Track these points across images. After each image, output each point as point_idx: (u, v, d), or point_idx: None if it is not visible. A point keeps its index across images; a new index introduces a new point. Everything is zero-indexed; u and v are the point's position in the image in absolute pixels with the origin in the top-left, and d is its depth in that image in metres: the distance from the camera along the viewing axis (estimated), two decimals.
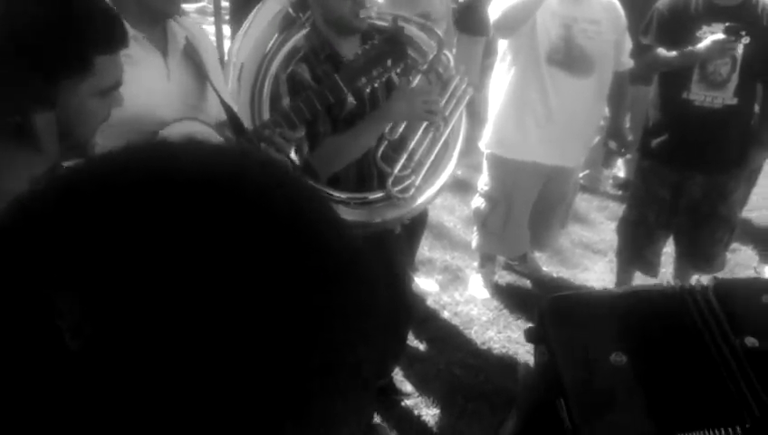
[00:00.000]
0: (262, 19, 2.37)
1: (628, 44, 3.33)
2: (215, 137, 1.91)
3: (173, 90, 1.90)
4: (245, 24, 2.41)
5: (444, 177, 2.50)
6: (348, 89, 2.01)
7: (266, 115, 2.34)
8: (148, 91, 1.81)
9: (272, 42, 2.37)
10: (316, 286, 0.40)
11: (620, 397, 0.72)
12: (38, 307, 0.36)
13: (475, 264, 4.00)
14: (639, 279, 3.85)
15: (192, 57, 1.96)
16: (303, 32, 2.34)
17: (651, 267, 3.61)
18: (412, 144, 2.37)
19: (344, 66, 2.04)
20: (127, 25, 1.73)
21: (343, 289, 0.42)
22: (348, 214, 2.37)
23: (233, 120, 2.01)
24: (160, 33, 1.91)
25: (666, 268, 3.97)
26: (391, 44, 1.98)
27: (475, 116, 3.19)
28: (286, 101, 2.27)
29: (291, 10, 2.34)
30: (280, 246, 0.40)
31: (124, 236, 0.38)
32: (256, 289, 0.38)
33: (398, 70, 2.07)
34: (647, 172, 3.44)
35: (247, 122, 2.22)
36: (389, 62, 2.01)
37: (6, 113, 0.79)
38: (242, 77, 2.33)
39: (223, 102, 2.00)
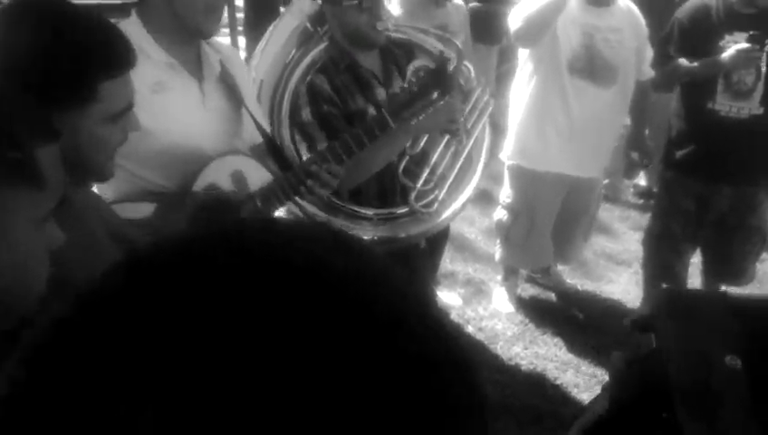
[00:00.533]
0: (279, 35, 2.35)
1: (649, 53, 3.27)
2: (262, 172, 1.87)
3: (210, 117, 1.85)
4: (263, 41, 2.39)
5: (468, 190, 2.46)
6: (394, 124, 1.97)
7: (286, 130, 2.31)
8: (184, 119, 1.77)
9: (290, 57, 2.34)
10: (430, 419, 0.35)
11: (730, 402, 0.67)
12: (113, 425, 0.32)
13: (498, 277, 3.93)
14: None
15: (227, 81, 1.91)
16: (322, 46, 2.31)
17: (678, 280, 3.53)
18: (434, 158, 2.32)
19: (390, 99, 2.01)
20: (160, 51, 1.71)
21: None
22: (372, 230, 2.34)
23: (269, 142, 1.97)
24: (195, 58, 1.85)
25: (692, 279, 3.90)
26: (438, 77, 1.93)
27: (495, 126, 3.15)
28: (306, 112, 2.24)
29: (308, 24, 2.31)
30: (393, 367, 0.35)
31: (214, 342, 0.33)
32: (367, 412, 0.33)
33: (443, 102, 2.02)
34: (671, 183, 3.37)
35: None
36: (435, 96, 1.96)
37: (5, 149, 0.74)
38: (261, 93, 2.30)
39: (258, 125, 1.95)
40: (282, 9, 2.76)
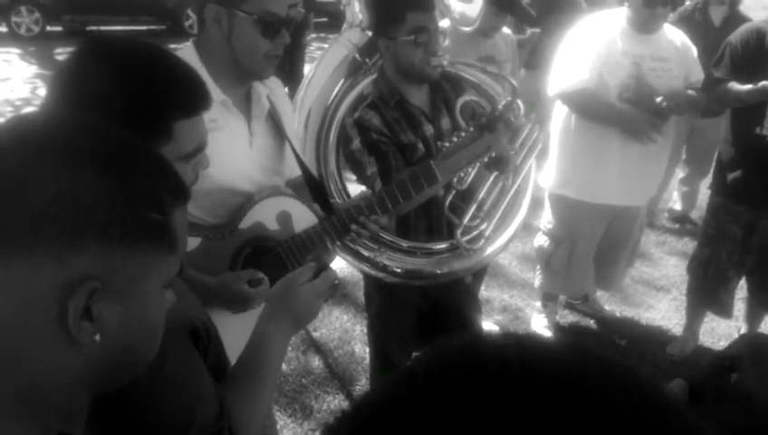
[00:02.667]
0: (327, 65, 2.33)
1: (698, 76, 3.21)
2: (307, 214, 1.86)
3: (256, 156, 1.84)
4: (311, 70, 2.37)
5: (513, 226, 2.41)
6: (443, 179, 1.95)
7: (332, 162, 2.29)
8: (232, 159, 1.76)
9: (337, 87, 2.32)
10: None
11: None
12: None
13: (536, 304, 3.88)
14: (708, 317, 3.71)
15: (274, 118, 1.90)
16: (370, 78, 2.29)
17: (724, 308, 3.47)
18: (482, 194, 2.28)
19: (440, 152, 1.97)
20: (216, 89, 1.70)
21: None
22: (413, 263, 2.30)
23: (310, 180, 1.95)
24: (245, 96, 1.84)
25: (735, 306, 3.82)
26: (485, 131, 1.90)
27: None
28: (356, 143, 2.21)
29: (357, 55, 2.29)
30: None
31: None
32: None
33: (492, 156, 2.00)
34: (718, 209, 3.31)
35: (312, 167, 2.17)
36: (480, 151, 1.93)
37: (148, 211, 0.72)
38: (308, 123, 2.29)
39: (298, 159, 1.94)
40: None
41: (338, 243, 1.93)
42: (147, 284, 0.73)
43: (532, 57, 4.66)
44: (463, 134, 1.93)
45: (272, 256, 1.84)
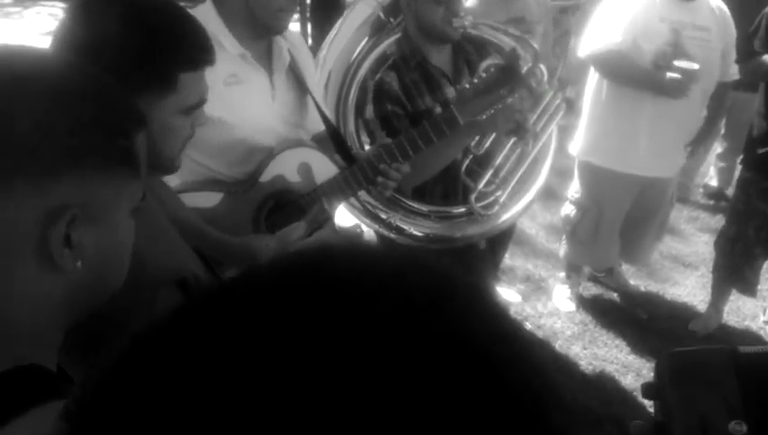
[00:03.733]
0: (351, 23, 2.33)
1: (734, 55, 3.12)
2: (328, 165, 1.87)
3: (278, 109, 1.85)
4: (334, 29, 2.37)
5: (530, 194, 2.40)
6: (463, 120, 1.92)
7: (351, 122, 2.29)
8: (254, 112, 1.78)
9: (360, 46, 2.31)
10: None
11: None
12: None
13: (560, 274, 3.86)
14: (734, 296, 3.65)
15: (295, 72, 1.91)
16: (393, 38, 2.28)
17: (749, 286, 3.41)
18: (499, 159, 2.26)
19: (458, 94, 1.96)
20: (234, 42, 1.72)
21: None
22: (428, 227, 2.30)
23: (332, 131, 1.95)
24: (266, 50, 1.85)
25: (762, 285, 3.76)
26: (508, 73, 1.87)
27: (573, 109, 3.07)
28: (369, 109, 2.21)
29: (381, 14, 2.28)
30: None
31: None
32: None
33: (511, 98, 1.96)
34: (748, 184, 3.24)
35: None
36: (504, 91, 1.90)
37: (116, 137, 0.74)
38: (329, 84, 2.29)
39: (322, 114, 1.94)
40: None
41: (358, 194, 1.93)
42: (118, 209, 0.76)
43: (582, 23, 4.56)
44: (484, 75, 1.91)
45: (294, 209, 1.86)
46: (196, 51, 1.19)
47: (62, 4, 11.10)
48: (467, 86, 1.92)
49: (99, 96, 0.75)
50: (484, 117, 1.93)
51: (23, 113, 0.67)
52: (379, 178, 1.86)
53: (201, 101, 1.23)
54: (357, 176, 1.88)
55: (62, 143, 0.69)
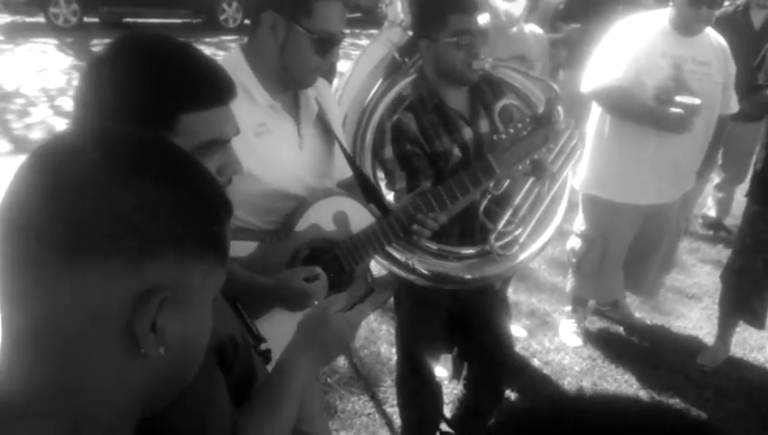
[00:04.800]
0: (366, 64, 2.33)
1: (733, 89, 3.16)
2: (364, 214, 1.85)
3: (306, 159, 1.84)
4: (349, 69, 2.37)
5: (548, 233, 2.39)
6: (500, 170, 1.91)
7: (368, 164, 2.28)
8: (283, 163, 1.76)
9: (375, 87, 2.31)
10: None
11: None
12: None
13: (565, 308, 3.85)
14: (740, 328, 3.65)
15: (322, 121, 1.90)
16: (409, 78, 2.27)
17: (757, 318, 3.42)
18: (517, 200, 2.26)
19: (495, 145, 1.95)
20: (264, 93, 1.70)
21: None
22: (443, 267, 2.28)
23: (363, 182, 1.94)
24: (293, 100, 1.84)
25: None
26: (542, 122, 1.87)
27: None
28: (388, 150, 2.20)
29: (397, 55, 2.28)
30: None
31: None
32: None
33: (545, 149, 1.96)
34: (756, 218, 3.25)
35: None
36: (539, 141, 1.90)
37: (209, 224, 0.73)
38: (345, 123, 2.28)
39: (349, 160, 1.93)
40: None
41: (392, 243, 1.91)
42: (204, 296, 0.74)
43: (572, 56, 4.61)
44: (519, 125, 1.90)
45: (330, 258, 1.84)
46: (199, 91, 1.15)
47: (54, 41, 11.11)
48: (503, 136, 1.92)
49: (197, 179, 0.74)
50: (520, 167, 1.93)
51: (125, 189, 0.66)
52: (415, 227, 1.85)
53: (215, 141, 1.17)
54: (393, 226, 1.87)
55: (164, 224, 0.67)
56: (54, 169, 0.66)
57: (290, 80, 1.76)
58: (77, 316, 0.66)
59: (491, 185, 2.19)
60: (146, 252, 0.66)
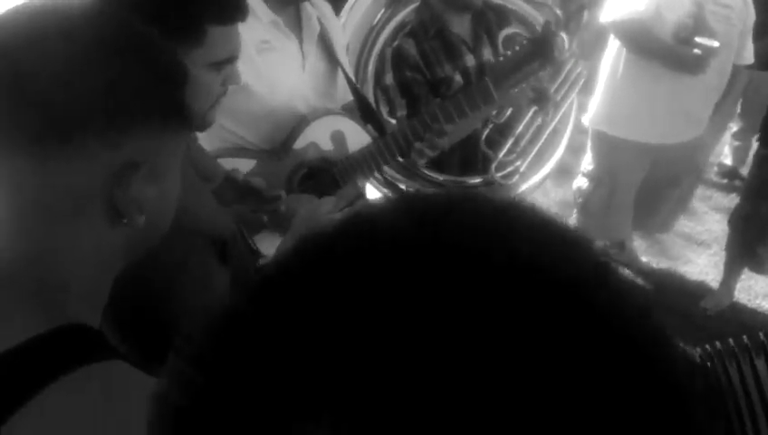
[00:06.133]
0: None
1: (750, 43, 3.11)
2: (361, 133, 1.86)
3: (308, 78, 1.84)
4: (351, 1, 2.35)
5: (549, 164, 2.40)
6: (497, 94, 1.89)
7: (370, 92, 2.29)
8: (285, 80, 1.77)
9: (378, 16, 2.30)
10: None
11: None
12: None
13: None
14: (746, 275, 3.65)
15: (325, 40, 1.89)
16: (413, 6, 2.26)
17: (761, 264, 3.41)
18: (519, 129, 2.25)
19: (491, 69, 1.93)
20: (265, 8, 1.71)
21: None
22: None
23: (362, 104, 1.95)
24: (295, 17, 1.83)
25: None
26: (540, 47, 1.85)
27: (587, 85, 3.04)
28: (389, 77, 2.21)
29: None
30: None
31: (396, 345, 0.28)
32: None
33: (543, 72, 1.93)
34: (763, 162, 3.23)
35: None
36: (536, 66, 1.88)
37: (174, 90, 0.76)
38: (347, 52, 2.27)
39: (351, 84, 1.93)
40: None
41: (384, 167, 1.92)
42: (174, 162, 0.78)
43: None
44: (517, 48, 1.89)
45: (327, 177, 1.87)
46: (225, 5, 1.18)
47: None
48: (501, 59, 1.90)
49: (159, 51, 0.76)
50: (516, 90, 1.91)
51: (96, 72, 0.68)
52: (416, 145, 1.85)
53: (232, 57, 1.22)
54: (390, 145, 1.88)
55: (133, 99, 0.70)
56: (15, 57, 0.68)
57: None
58: (60, 197, 0.69)
59: (493, 113, 2.19)
60: (119, 128, 0.69)
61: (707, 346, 0.64)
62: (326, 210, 1.30)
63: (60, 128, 0.67)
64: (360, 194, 1.91)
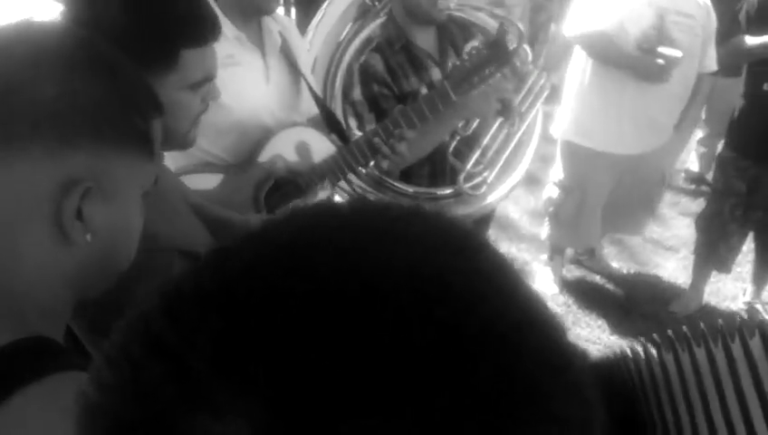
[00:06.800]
0: (335, 9, 2.34)
1: (713, 51, 3.19)
2: (325, 144, 1.89)
3: (272, 91, 1.87)
4: (319, 14, 2.38)
5: (517, 174, 2.43)
6: (456, 95, 1.94)
7: (339, 106, 2.31)
8: (250, 93, 1.80)
9: (345, 32, 2.33)
10: None
11: None
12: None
13: (543, 257, 3.91)
14: (715, 278, 3.72)
15: (287, 54, 1.92)
16: (378, 21, 2.29)
17: (724, 264, 3.49)
18: (486, 140, 2.29)
19: (450, 73, 1.98)
20: (230, 25, 1.73)
21: None
22: None
23: (327, 114, 1.98)
24: (257, 31, 1.86)
25: (743, 267, 3.83)
26: (495, 49, 1.90)
27: (556, 95, 3.10)
28: (357, 92, 2.23)
29: None
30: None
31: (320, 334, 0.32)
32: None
33: (499, 75, 1.99)
34: (727, 164, 3.33)
35: None
36: (493, 68, 1.93)
37: (134, 118, 0.77)
38: (315, 68, 2.30)
39: (315, 97, 1.96)
40: None
41: (348, 177, 1.95)
42: (130, 188, 0.77)
43: (563, 9, 4.59)
44: (474, 53, 1.93)
45: (293, 188, 1.88)
46: (198, 28, 1.19)
47: None
48: (458, 63, 1.95)
49: (122, 75, 0.77)
50: (476, 92, 1.96)
51: (47, 81, 0.69)
52: (383, 149, 1.89)
53: (208, 77, 1.23)
54: (354, 152, 1.90)
55: (83, 114, 0.70)
56: None
57: (250, 7, 1.79)
58: (7, 206, 0.69)
59: (460, 125, 2.22)
60: (66, 141, 0.69)
61: (642, 338, 0.67)
62: None
63: (8, 132, 0.68)
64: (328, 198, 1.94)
